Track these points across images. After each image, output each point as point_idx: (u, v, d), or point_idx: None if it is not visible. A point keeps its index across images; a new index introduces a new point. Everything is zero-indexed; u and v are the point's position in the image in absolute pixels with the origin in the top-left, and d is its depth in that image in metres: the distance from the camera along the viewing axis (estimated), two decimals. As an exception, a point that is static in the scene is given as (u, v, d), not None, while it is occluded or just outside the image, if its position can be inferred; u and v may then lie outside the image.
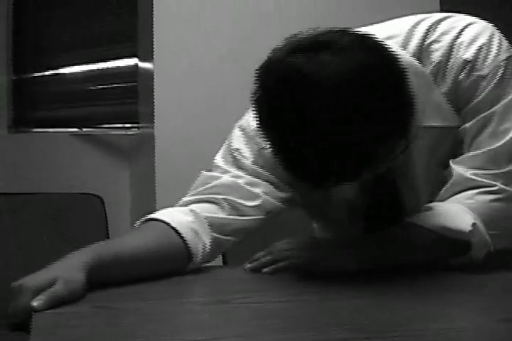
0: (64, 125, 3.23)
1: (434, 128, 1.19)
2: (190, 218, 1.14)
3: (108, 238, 2.36)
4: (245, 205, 1.18)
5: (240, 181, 1.19)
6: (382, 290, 1.01)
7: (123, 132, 3.25)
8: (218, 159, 1.25)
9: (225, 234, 1.17)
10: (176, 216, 1.15)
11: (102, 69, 3.12)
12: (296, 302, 0.98)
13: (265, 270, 1.14)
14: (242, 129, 1.26)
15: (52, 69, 3.35)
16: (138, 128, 3.09)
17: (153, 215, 1.16)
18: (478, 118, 1.18)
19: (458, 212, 1.16)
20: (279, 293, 1.02)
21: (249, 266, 1.17)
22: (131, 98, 3.13)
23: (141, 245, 1.09)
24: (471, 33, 1.16)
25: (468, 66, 1.15)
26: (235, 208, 1.17)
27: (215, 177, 1.20)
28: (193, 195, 1.20)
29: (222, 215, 1.17)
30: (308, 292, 1.02)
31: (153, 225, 1.13)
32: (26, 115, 3.41)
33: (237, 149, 1.24)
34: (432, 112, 1.19)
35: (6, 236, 2.27)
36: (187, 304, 0.98)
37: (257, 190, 1.20)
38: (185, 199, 1.20)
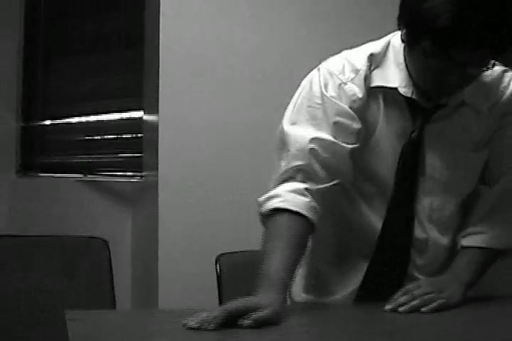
0: (70, 171, 3.29)
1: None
2: (307, 198, 1.39)
3: (112, 278, 2.43)
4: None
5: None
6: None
7: (127, 179, 3.28)
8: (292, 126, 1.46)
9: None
10: (299, 201, 1.38)
11: (109, 121, 3.17)
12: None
13: (402, 309, 1.37)
14: (329, 72, 1.47)
15: (60, 118, 3.43)
16: (141, 176, 3.13)
17: (281, 205, 1.38)
18: None
19: None
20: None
21: (389, 307, 1.38)
22: (135, 148, 3.16)
23: (288, 260, 1.34)
24: None
25: None
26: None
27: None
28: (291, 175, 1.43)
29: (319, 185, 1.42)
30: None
31: (287, 223, 1.37)
32: (34, 161, 3.50)
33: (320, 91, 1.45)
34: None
35: (15, 277, 2.31)
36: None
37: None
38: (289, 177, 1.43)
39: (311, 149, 1.42)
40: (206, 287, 2.07)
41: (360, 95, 1.46)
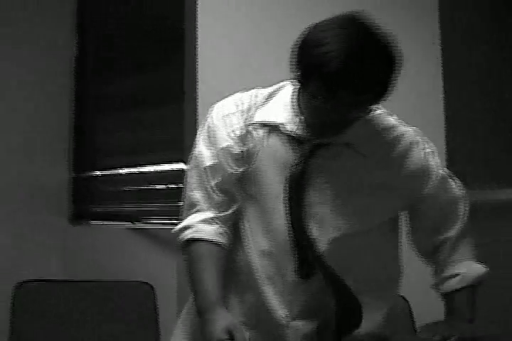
0: (119, 219, 3.30)
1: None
2: (214, 226, 1.58)
3: (158, 322, 2.53)
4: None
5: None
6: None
7: (170, 227, 3.22)
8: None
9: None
10: (208, 230, 1.57)
11: (153, 172, 3.17)
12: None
13: None
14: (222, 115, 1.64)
15: (109, 169, 3.48)
16: None
17: (196, 235, 1.57)
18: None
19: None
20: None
21: None
22: (179, 197, 3.12)
23: (218, 278, 1.55)
24: None
25: None
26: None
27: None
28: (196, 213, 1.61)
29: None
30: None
31: (204, 250, 1.56)
32: (85, 209, 3.58)
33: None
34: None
35: (66, 320, 2.44)
36: None
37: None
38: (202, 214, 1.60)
39: (207, 177, 1.60)
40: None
41: (238, 126, 1.60)
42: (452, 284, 1.69)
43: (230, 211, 1.60)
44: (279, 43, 2.69)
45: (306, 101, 1.53)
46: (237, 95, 1.67)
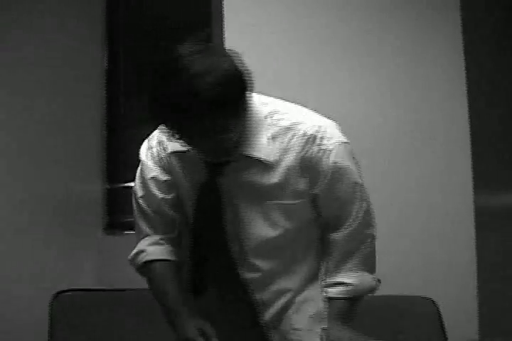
0: None
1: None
2: (163, 246, 1.76)
3: None
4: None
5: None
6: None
7: None
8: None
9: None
10: (157, 251, 1.75)
11: None
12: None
13: None
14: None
15: None
16: None
17: (150, 257, 1.75)
18: None
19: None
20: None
21: None
22: None
23: (178, 289, 1.73)
24: None
25: None
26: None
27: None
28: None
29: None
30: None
31: (159, 269, 1.75)
32: (119, 219, 3.58)
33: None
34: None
35: (101, 328, 2.46)
36: None
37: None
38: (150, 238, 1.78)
39: (143, 205, 1.77)
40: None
41: (161, 156, 1.73)
42: (335, 292, 1.71)
43: (175, 232, 1.79)
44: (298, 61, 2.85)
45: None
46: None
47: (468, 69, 2.90)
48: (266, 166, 1.64)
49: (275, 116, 1.66)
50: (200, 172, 1.69)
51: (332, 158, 1.64)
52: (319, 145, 1.64)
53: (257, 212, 1.68)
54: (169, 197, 1.75)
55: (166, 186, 1.74)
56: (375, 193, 2.42)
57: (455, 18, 2.93)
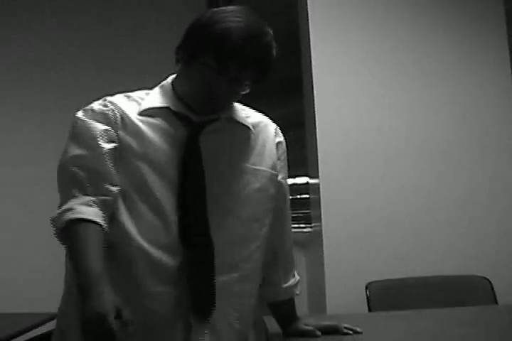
0: None
1: (265, 172, 1.66)
2: (95, 209, 1.51)
3: None
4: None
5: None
6: None
7: (301, 230, 3.52)
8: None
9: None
10: (88, 211, 1.49)
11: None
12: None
13: None
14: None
15: None
16: (311, 227, 3.32)
17: (81, 216, 1.48)
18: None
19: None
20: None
21: None
22: (306, 205, 3.40)
23: (100, 257, 1.45)
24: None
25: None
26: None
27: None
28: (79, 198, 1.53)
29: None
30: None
31: (88, 230, 1.48)
32: None
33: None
34: (268, 159, 1.66)
35: None
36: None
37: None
38: (83, 199, 1.53)
39: (73, 167, 1.56)
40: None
41: (108, 113, 1.62)
42: (300, 288, 1.88)
43: (101, 197, 1.55)
44: (388, 86, 3.04)
45: (193, 78, 1.57)
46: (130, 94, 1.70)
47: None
48: (247, 133, 1.67)
49: (248, 113, 1.75)
50: (179, 130, 1.60)
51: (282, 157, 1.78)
52: (281, 137, 1.78)
53: (235, 175, 1.63)
54: (110, 147, 1.58)
55: (107, 136, 1.59)
56: (456, 193, 2.81)
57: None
